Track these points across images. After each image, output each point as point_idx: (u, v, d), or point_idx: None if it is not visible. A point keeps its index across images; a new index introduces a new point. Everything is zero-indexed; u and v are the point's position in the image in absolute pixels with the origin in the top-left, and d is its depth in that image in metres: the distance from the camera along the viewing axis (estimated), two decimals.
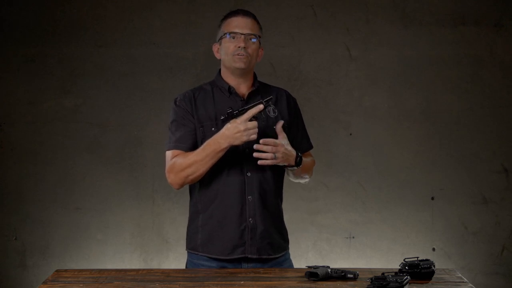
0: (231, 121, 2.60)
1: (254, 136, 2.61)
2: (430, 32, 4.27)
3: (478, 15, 4.26)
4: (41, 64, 4.24)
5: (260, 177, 2.71)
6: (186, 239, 2.82)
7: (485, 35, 4.27)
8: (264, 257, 2.73)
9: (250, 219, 2.71)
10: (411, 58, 4.28)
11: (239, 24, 2.72)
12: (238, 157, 2.71)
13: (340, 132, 4.31)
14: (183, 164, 2.67)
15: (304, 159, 2.79)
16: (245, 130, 2.59)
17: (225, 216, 2.71)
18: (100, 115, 4.26)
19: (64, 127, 4.26)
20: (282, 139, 2.68)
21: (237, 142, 2.61)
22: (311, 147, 2.93)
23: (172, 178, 2.71)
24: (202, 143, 2.70)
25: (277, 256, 2.77)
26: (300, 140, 2.88)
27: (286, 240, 2.85)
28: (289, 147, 2.70)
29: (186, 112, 2.74)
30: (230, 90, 2.76)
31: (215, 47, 2.79)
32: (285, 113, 2.82)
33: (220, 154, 2.63)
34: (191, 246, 2.78)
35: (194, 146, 2.72)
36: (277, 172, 2.78)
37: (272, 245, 2.76)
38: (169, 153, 2.74)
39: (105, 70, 4.25)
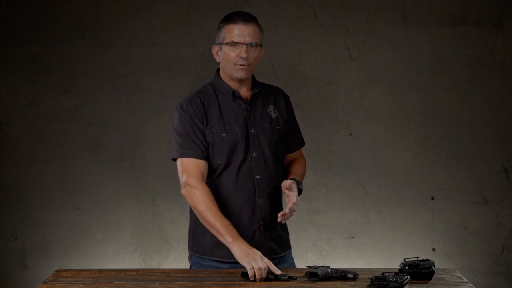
0: (258, 255, 2.53)
1: (251, 274, 2.48)
2: (430, 32, 4.27)
3: (478, 15, 4.26)
4: (41, 64, 4.24)
5: (269, 179, 2.72)
6: (191, 241, 2.80)
7: (485, 35, 4.26)
8: (274, 256, 2.75)
9: (261, 221, 2.72)
10: (411, 58, 4.28)
11: (241, 33, 2.68)
12: (247, 161, 2.71)
13: (340, 132, 4.30)
14: (198, 206, 2.63)
15: (300, 171, 2.83)
16: (257, 267, 2.48)
17: (236, 220, 2.68)
18: (100, 115, 4.26)
19: (64, 127, 4.25)
20: (293, 193, 2.66)
21: (238, 255, 2.54)
22: (303, 144, 2.95)
23: (185, 194, 2.67)
24: (212, 147, 2.69)
25: (284, 254, 2.81)
26: (295, 139, 2.90)
27: (289, 237, 2.89)
28: (295, 190, 2.69)
29: (194, 117, 2.71)
30: (234, 94, 2.76)
31: (214, 49, 2.76)
32: (284, 112, 2.84)
33: (220, 239, 2.60)
34: (198, 250, 2.77)
35: (206, 150, 2.69)
36: (281, 171, 2.80)
37: (280, 244, 2.79)
38: (183, 162, 2.68)
39: (105, 70, 4.25)
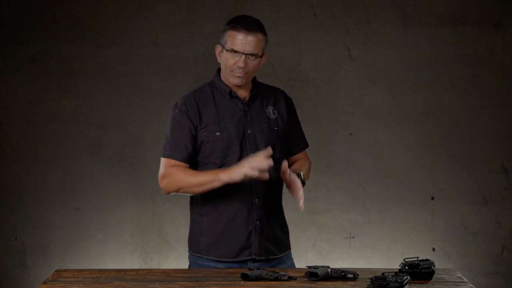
0: (246, 162, 2.57)
1: (254, 173, 2.54)
2: (430, 32, 4.27)
3: (478, 15, 4.26)
4: (41, 64, 4.24)
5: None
6: (189, 240, 2.81)
7: (485, 35, 4.27)
8: (271, 257, 2.74)
9: (257, 222, 2.72)
10: (411, 58, 4.28)
11: (242, 42, 2.65)
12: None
13: (340, 132, 4.31)
14: (180, 180, 2.67)
15: (304, 170, 2.81)
16: (254, 162, 2.54)
17: (232, 220, 2.69)
18: (100, 115, 4.26)
19: (64, 127, 4.26)
20: (292, 176, 2.66)
21: (235, 175, 2.57)
22: (307, 145, 2.94)
23: (164, 185, 2.72)
24: (206, 146, 2.70)
25: (282, 255, 2.80)
26: (297, 140, 2.89)
27: (288, 238, 2.87)
28: (295, 176, 2.69)
29: (187, 117, 2.71)
30: (231, 94, 2.75)
31: (217, 49, 2.75)
32: (284, 114, 2.83)
33: (216, 185, 2.62)
34: (195, 249, 2.77)
35: (191, 155, 2.71)
36: (279, 172, 2.78)
37: (277, 245, 2.78)
38: (164, 161, 2.73)
39: (105, 70, 4.25)
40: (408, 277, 2.34)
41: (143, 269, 2.66)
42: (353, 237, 4.31)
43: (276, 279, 2.45)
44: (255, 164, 2.53)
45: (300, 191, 2.64)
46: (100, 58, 4.25)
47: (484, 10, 4.26)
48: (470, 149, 4.30)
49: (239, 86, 2.74)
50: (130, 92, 4.27)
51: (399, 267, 2.44)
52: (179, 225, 4.23)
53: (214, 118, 2.72)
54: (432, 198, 4.31)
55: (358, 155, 4.30)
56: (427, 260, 2.45)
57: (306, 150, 2.95)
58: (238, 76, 2.68)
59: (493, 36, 4.26)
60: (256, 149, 2.71)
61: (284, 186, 2.83)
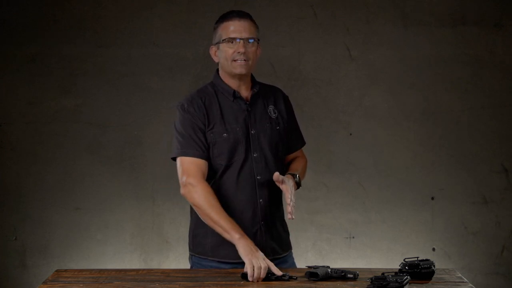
0: (261, 255, 2.51)
1: (250, 273, 2.46)
2: (430, 32, 4.27)
3: (478, 15, 4.26)
4: (41, 64, 4.24)
5: (269, 179, 2.71)
6: (192, 242, 2.80)
7: (485, 35, 4.27)
8: (276, 256, 2.75)
9: (262, 222, 2.72)
10: (411, 58, 4.28)
11: (237, 29, 2.68)
12: (248, 161, 2.71)
13: (340, 132, 4.31)
14: (200, 202, 2.61)
15: (298, 168, 2.81)
16: (257, 266, 2.46)
17: (237, 221, 2.65)
18: (100, 115, 4.26)
19: (64, 127, 4.26)
20: (286, 185, 2.65)
21: (242, 249, 2.52)
22: (304, 143, 2.95)
23: (184, 193, 2.66)
24: (213, 148, 2.69)
25: (285, 254, 2.81)
26: (295, 139, 2.90)
27: (289, 237, 2.89)
28: (291, 181, 2.69)
29: (196, 117, 2.70)
30: (235, 95, 2.75)
31: (212, 50, 2.77)
32: (284, 112, 2.84)
33: (225, 235, 2.59)
34: (199, 251, 2.76)
35: (206, 150, 2.69)
36: (282, 172, 2.78)
37: (281, 244, 2.80)
38: (181, 161, 2.67)
39: (105, 70, 4.25)
40: (408, 277, 2.34)
41: (143, 269, 2.67)
42: (353, 237, 4.31)
43: (276, 279, 2.45)
44: (256, 272, 2.45)
45: (289, 194, 2.62)
46: (100, 58, 4.25)
47: (484, 10, 4.26)
48: (470, 149, 4.30)
49: (241, 81, 2.74)
50: (130, 92, 4.27)
51: (399, 267, 2.44)
52: (179, 225, 4.23)
53: (220, 119, 2.72)
54: (432, 198, 4.31)
55: (358, 155, 4.30)
56: (427, 260, 2.45)
57: (304, 148, 2.96)
58: (241, 64, 2.68)
59: (493, 36, 4.26)
60: (260, 149, 2.72)
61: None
